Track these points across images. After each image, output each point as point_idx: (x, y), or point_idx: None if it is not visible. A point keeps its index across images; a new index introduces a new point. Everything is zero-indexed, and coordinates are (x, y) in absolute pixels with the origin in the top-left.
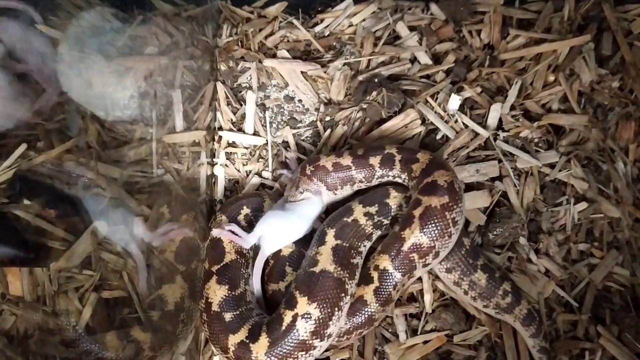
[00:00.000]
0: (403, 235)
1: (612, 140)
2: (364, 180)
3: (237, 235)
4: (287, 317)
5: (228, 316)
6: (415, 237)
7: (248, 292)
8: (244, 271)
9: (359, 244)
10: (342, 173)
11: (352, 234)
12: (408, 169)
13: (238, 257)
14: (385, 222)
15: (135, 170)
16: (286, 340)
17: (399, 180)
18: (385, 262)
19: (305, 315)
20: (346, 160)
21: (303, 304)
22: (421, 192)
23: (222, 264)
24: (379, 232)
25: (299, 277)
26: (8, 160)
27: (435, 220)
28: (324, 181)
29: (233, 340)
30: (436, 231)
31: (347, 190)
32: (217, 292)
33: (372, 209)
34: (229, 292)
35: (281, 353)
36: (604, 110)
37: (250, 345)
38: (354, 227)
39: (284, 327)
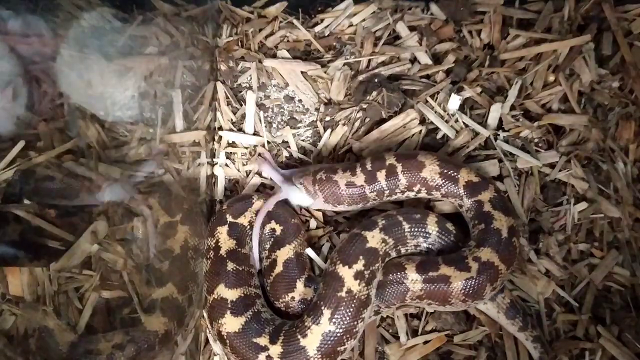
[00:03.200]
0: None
1: (612, 140)
2: (376, 198)
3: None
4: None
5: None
6: None
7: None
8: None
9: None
10: (355, 191)
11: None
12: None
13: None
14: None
15: (135, 170)
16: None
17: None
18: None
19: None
20: (359, 179)
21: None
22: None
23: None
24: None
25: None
26: (6, 158)
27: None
28: (325, 194)
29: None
30: None
31: (355, 207)
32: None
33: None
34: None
35: None
36: (604, 110)
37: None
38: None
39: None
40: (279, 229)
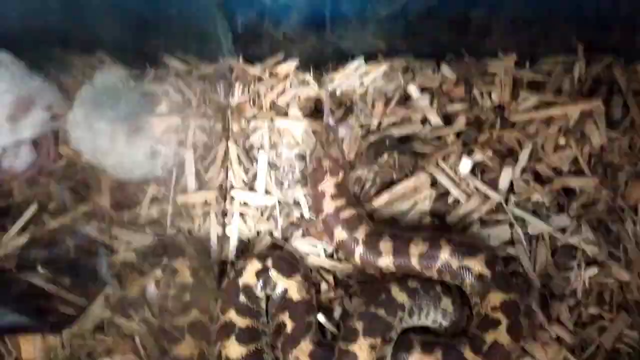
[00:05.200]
0: None
1: (622, 199)
2: None
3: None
4: None
5: None
6: None
7: None
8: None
9: None
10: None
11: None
12: None
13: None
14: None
15: (147, 232)
16: None
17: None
18: None
19: None
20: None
21: None
22: None
23: None
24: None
25: None
26: (18, 223)
27: None
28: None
29: None
30: None
31: None
32: None
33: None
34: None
35: None
36: (613, 169)
37: None
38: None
39: None
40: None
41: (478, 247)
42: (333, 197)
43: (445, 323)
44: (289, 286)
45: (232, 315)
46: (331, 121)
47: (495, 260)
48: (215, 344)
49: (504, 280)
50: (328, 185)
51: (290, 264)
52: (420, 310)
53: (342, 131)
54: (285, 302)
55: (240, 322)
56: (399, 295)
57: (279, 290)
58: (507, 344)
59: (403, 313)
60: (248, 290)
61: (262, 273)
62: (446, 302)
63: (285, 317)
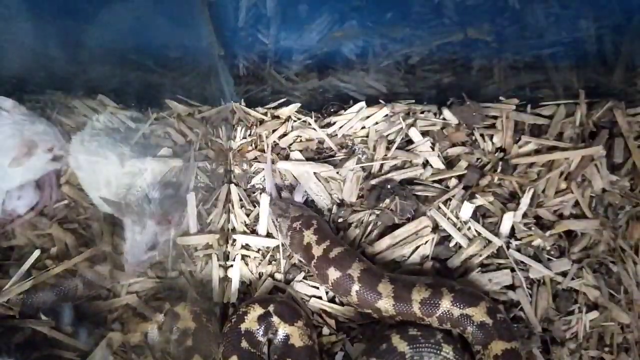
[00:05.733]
0: None
1: (622, 240)
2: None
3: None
4: None
5: None
6: None
7: None
8: None
9: None
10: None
11: None
12: None
13: None
14: None
15: (149, 275)
16: None
17: None
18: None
19: None
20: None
21: None
22: None
23: None
24: None
25: None
26: (22, 268)
27: None
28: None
29: None
30: None
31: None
32: None
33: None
34: None
35: None
36: (614, 210)
37: None
38: None
39: None
40: None
41: (479, 295)
42: (317, 242)
43: None
44: (291, 332)
45: None
46: (273, 194)
47: (496, 308)
48: None
49: (506, 328)
50: (309, 236)
51: (293, 309)
52: (421, 358)
53: (298, 195)
54: (287, 348)
55: None
56: (400, 344)
57: (280, 336)
58: None
59: None
60: (250, 335)
61: (264, 318)
62: (447, 350)
63: None
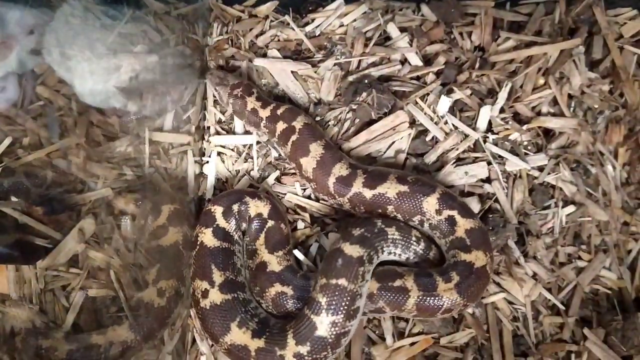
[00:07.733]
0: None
1: (601, 144)
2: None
3: None
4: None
5: None
6: None
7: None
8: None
9: None
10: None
11: None
12: None
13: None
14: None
15: (124, 169)
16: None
17: None
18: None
19: None
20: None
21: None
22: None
23: None
24: None
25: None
26: None
27: None
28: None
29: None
30: None
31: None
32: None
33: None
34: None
35: None
36: (593, 114)
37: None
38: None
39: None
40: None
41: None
42: (262, 106)
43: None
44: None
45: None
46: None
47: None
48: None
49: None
50: (252, 102)
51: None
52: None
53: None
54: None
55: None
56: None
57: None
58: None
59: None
60: (225, 215)
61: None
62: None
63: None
